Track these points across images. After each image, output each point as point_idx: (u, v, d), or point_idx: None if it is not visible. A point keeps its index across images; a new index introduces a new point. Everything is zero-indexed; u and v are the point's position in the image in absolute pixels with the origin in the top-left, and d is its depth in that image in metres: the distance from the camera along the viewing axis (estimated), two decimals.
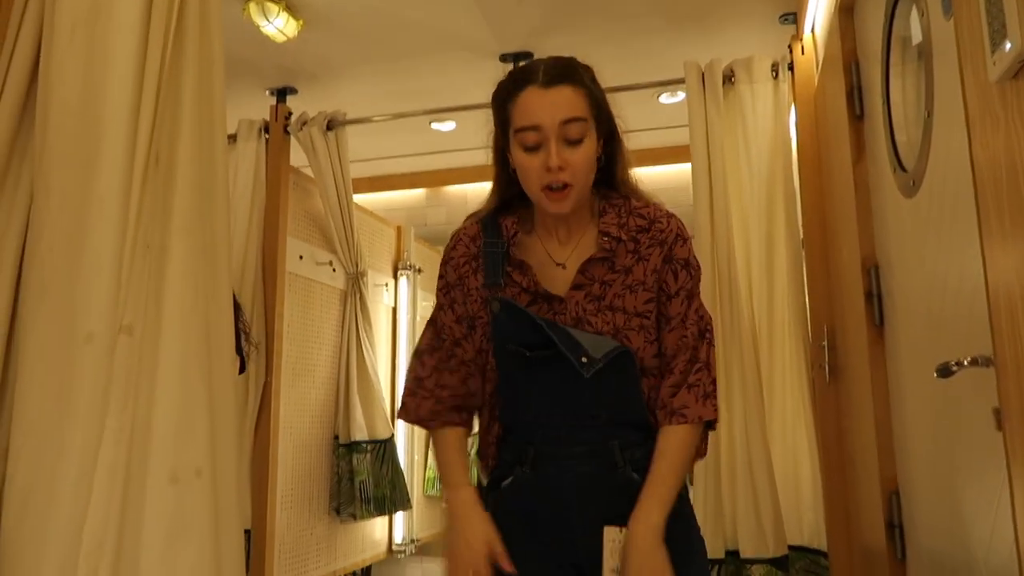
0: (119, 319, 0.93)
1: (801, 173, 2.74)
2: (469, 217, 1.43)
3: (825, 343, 2.54)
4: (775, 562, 2.70)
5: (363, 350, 3.72)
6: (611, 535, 1.23)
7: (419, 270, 4.29)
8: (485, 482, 1.38)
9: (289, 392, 3.31)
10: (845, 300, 2.24)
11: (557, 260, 1.34)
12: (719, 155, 2.73)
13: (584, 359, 1.26)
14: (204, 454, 0.92)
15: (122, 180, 0.92)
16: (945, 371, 1.12)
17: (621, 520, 1.24)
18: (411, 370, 1.40)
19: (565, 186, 1.24)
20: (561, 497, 1.28)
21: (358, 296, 3.69)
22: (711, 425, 1.34)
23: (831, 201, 2.47)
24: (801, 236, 2.78)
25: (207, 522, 0.91)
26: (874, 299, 1.85)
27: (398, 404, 4.09)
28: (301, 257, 3.41)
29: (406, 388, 1.39)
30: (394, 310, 4.25)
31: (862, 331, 1.90)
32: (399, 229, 4.31)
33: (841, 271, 2.30)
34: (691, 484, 1.36)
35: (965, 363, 1.08)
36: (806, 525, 3.03)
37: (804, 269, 2.78)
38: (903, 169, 1.58)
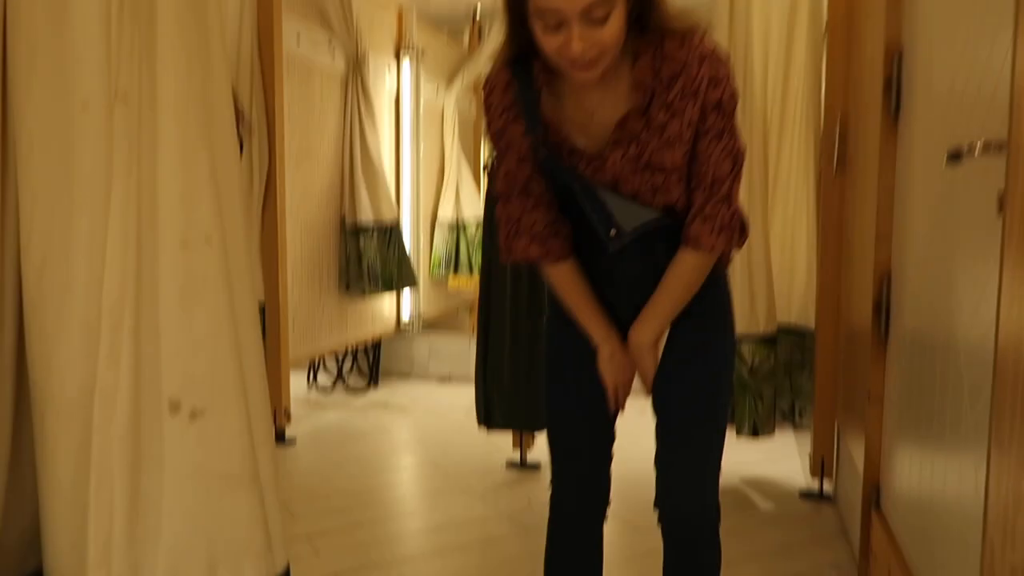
0: (113, 86, 0.91)
1: None
2: (495, 60, 1.36)
3: (837, 133, 2.49)
4: (764, 339, 2.85)
5: (366, 134, 3.67)
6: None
7: (422, 53, 4.11)
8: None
9: (293, 176, 3.31)
10: (863, 89, 2.16)
11: (592, 112, 1.31)
12: None
13: (613, 232, 1.31)
14: (212, 222, 0.94)
15: None
16: (956, 155, 1.10)
17: None
18: (501, 215, 1.42)
19: (592, 60, 1.19)
20: (608, 287, 1.40)
21: (359, 79, 3.57)
22: (726, 258, 1.40)
23: None
24: (824, 20, 2.63)
25: (220, 286, 0.95)
26: (893, 87, 1.78)
27: (403, 188, 4.12)
28: (299, 35, 3.25)
29: (505, 232, 1.41)
30: (397, 96, 4.13)
31: (877, 121, 1.86)
32: (400, 9, 4.06)
33: (863, 58, 2.20)
34: (728, 264, 1.46)
35: (978, 147, 1.06)
36: (795, 306, 3.17)
37: (824, 58, 2.66)
38: None
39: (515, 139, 1.35)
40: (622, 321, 1.43)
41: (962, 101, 1.33)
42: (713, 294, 1.41)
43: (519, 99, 1.31)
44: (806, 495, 2.75)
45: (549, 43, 1.19)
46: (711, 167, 1.30)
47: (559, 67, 1.24)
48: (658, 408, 1.43)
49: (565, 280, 1.41)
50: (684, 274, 1.35)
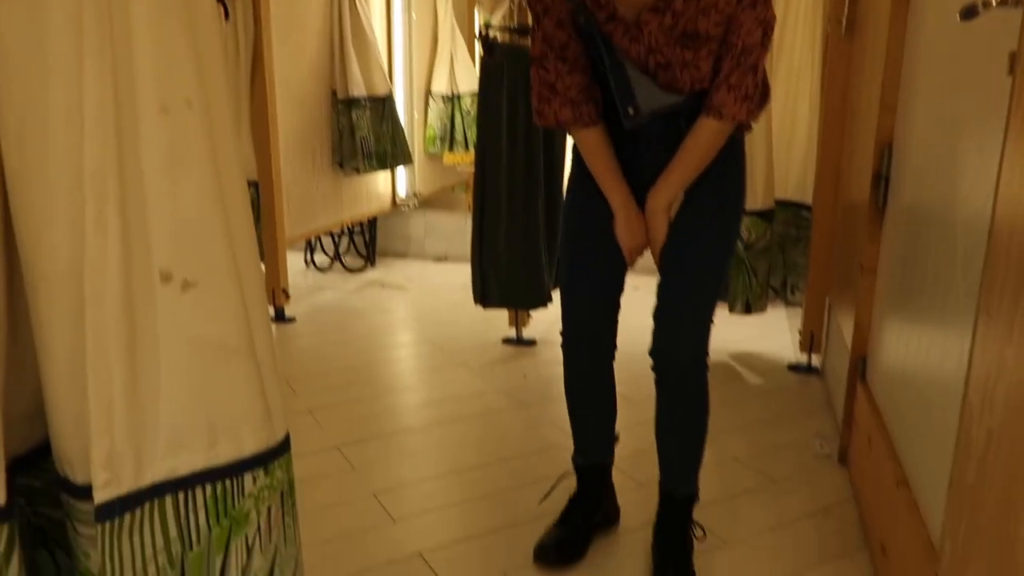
0: None
1: None
2: None
3: None
4: (761, 214, 2.84)
5: (356, 3, 3.50)
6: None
7: None
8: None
9: (281, 46, 3.18)
10: None
11: None
12: None
13: (631, 110, 1.37)
14: (193, 85, 0.90)
15: None
16: (970, 11, 1.05)
17: None
18: (535, 78, 1.48)
19: None
20: (630, 143, 1.48)
21: None
22: (746, 125, 1.46)
23: None
24: None
25: (205, 152, 0.93)
26: None
27: (395, 60, 4.00)
28: None
29: (538, 95, 1.49)
30: None
31: None
32: None
33: None
34: (749, 131, 1.52)
35: (993, 2, 1.01)
36: (793, 180, 3.13)
37: None
38: None
39: (554, 2, 1.40)
40: (640, 196, 1.51)
41: None
42: (731, 160, 1.48)
43: None
44: (794, 368, 2.82)
45: None
46: (742, 36, 1.34)
47: None
48: (667, 264, 1.52)
49: (593, 145, 1.49)
50: (703, 141, 1.42)
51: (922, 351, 1.42)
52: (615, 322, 1.62)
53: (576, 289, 1.59)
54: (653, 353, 1.55)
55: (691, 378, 1.55)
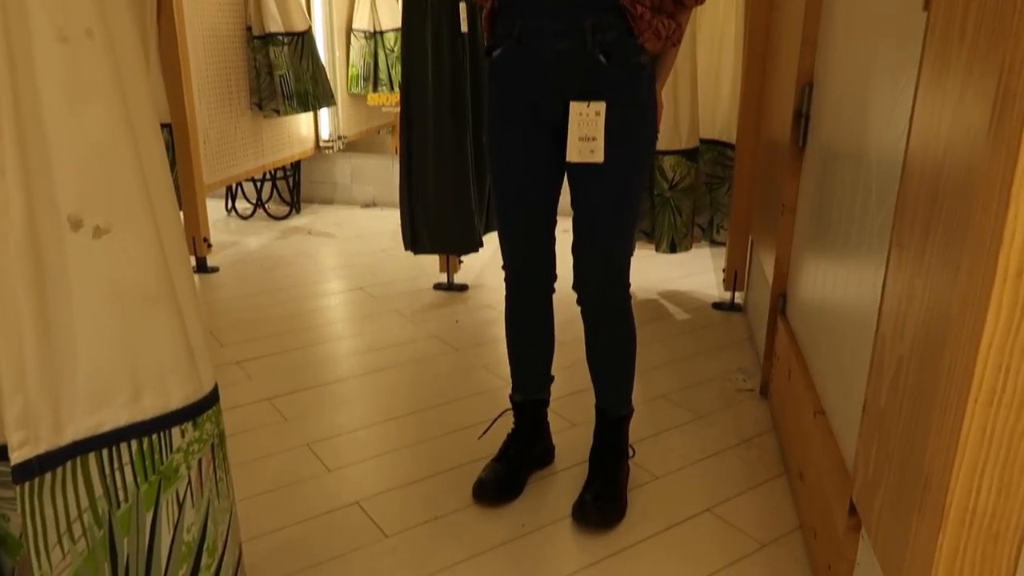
0: None
1: None
2: None
3: None
4: (685, 153, 2.87)
5: None
6: (577, 109, 1.44)
7: None
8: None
9: None
10: None
11: None
12: None
13: None
14: (92, 13, 0.84)
15: None
16: None
17: (586, 96, 1.44)
18: None
19: None
20: (539, 68, 1.47)
21: None
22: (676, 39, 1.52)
23: None
24: None
25: (110, 85, 0.87)
26: None
27: None
28: None
29: None
30: None
31: None
32: None
33: None
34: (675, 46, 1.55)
35: None
36: (719, 120, 3.17)
37: None
38: None
39: None
40: (547, 103, 1.49)
41: None
42: (638, 85, 1.48)
43: None
44: (718, 306, 2.91)
45: None
46: None
47: None
48: (575, 198, 1.55)
49: None
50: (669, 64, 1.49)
51: (838, 285, 1.48)
52: (552, 253, 1.66)
53: (511, 222, 1.61)
54: (575, 286, 1.59)
55: (614, 306, 1.60)
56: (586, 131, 1.44)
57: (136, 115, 0.91)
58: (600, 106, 1.43)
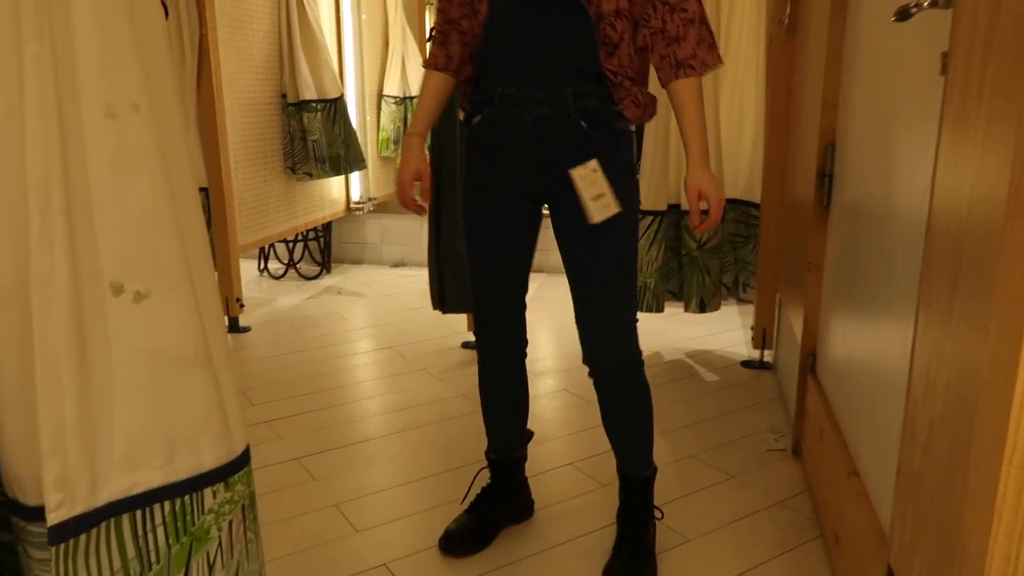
0: None
1: None
2: None
3: None
4: None
5: (304, 1, 3.46)
6: (579, 174, 1.44)
7: None
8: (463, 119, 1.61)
9: (228, 46, 3.13)
10: None
11: None
12: None
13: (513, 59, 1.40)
14: (138, 88, 0.88)
15: None
16: (904, 13, 1.09)
17: (571, 161, 1.44)
18: (435, 24, 1.59)
19: None
20: (520, 135, 1.47)
21: None
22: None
23: None
24: None
25: (154, 158, 0.91)
26: None
27: (346, 62, 4.04)
28: None
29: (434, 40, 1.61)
30: None
31: None
32: None
33: None
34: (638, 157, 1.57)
35: (925, 4, 1.05)
36: (741, 180, 3.20)
37: None
38: None
39: None
40: (529, 172, 1.50)
41: None
42: (622, 149, 1.50)
43: None
44: (747, 364, 2.88)
45: None
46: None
47: None
48: (571, 270, 1.55)
49: (430, 87, 1.58)
50: (692, 104, 1.45)
51: (868, 344, 1.47)
52: (523, 321, 1.68)
53: (482, 293, 1.63)
54: (585, 358, 1.58)
55: (626, 376, 1.58)
56: (594, 190, 1.44)
57: (177, 183, 0.95)
58: (595, 163, 1.44)
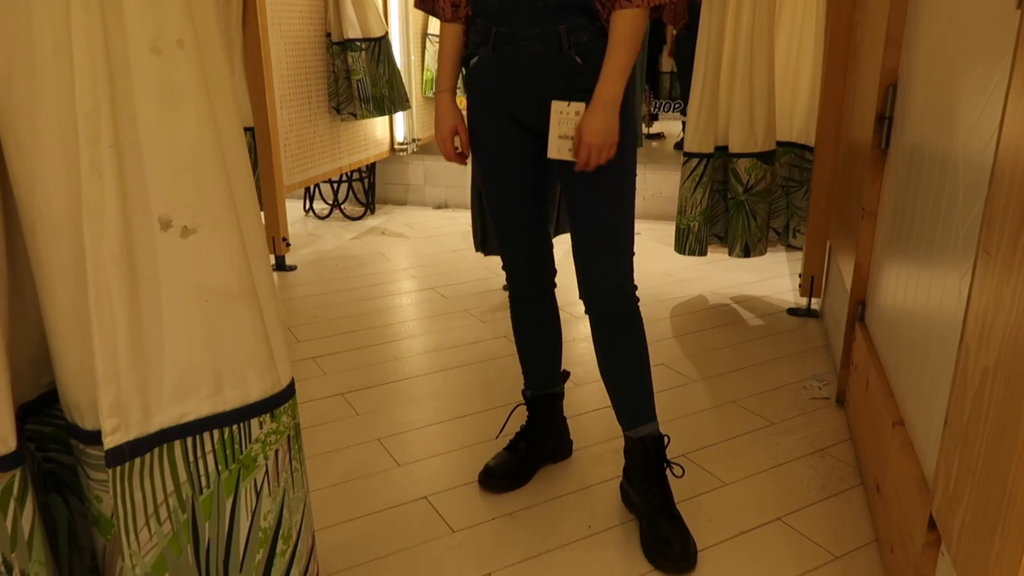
0: None
1: None
2: None
3: None
4: (761, 156, 2.81)
5: None
6: (558, 107, 1.45)
7: None
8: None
9: None
10: None
11: None
12: None
13: None
14: (183, 25, 0.88)
15: None
16: None
17: (566, 96, 1.45)
18: None
19: None
20: (516, 73, 1.48)
21: None
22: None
23: None
24: None
25: (199, 95, 0.91)
26: None
27: (391, 1, 4.01)
28: None
29: None
30: None
31: None
32: None
33: None
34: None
35: None
36: (797, 122, 3.09)
37: None
38: None
39: None
40: (527, 107, 1.50)
41: None
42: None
43: None
44: (794, 312, 2.83)
45: None
46: None
47: None
48: (569, 204, 1.55)
49: (445, 39, 1.58)
50: (624, 34, 1.42)
51: (921, 293, 1.43)
52: (548, 250, 1.69)
53: (502, 228, 1.65)
54: (582, 295, 1.58)
55: (623, 311, 1.57)
56: (565, 130, 1.45)
57: (222, 120, 0.95)
58: (580, 106, 1.43)
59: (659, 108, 5.53)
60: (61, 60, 0.83)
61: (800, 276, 2.83)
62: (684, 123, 3.11)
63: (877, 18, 1.93)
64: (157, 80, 0.88)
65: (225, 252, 0.98)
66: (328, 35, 3.50)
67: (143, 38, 0.86)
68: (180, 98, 0.89)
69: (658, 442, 1.63)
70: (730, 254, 2.96)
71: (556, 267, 1.73)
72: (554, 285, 1.74)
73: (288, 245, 3.36)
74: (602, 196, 1.50)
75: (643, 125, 5.47)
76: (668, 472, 1.64)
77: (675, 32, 4.90)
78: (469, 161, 1.71)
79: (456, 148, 1.61)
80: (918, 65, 1.61)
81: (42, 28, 0.83)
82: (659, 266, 3.40)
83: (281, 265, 3.40)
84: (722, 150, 2.83)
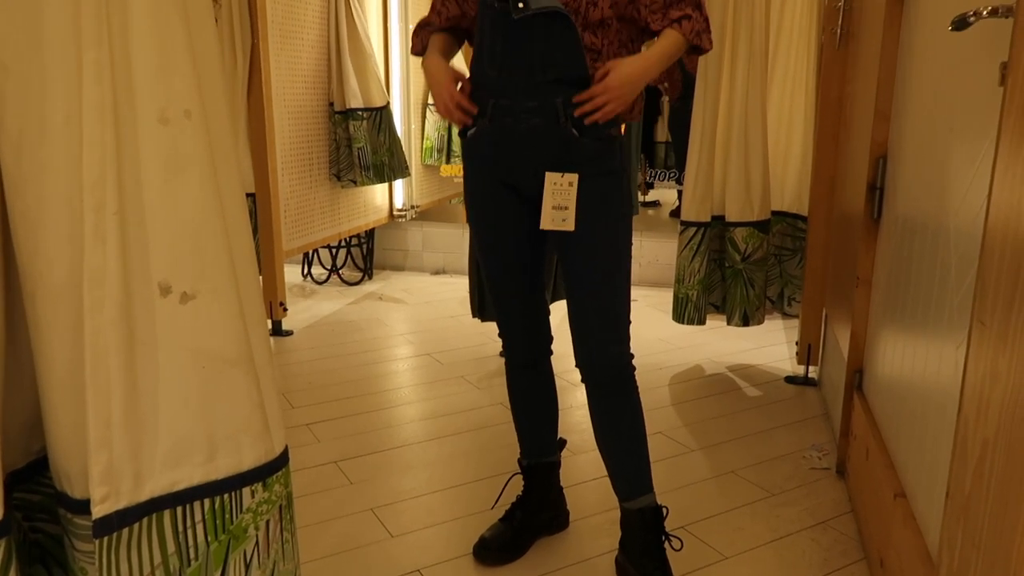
0: None
1: None
2: None
3: (841, 4, 2.39)
4: (758, 225, 2.85)
5: (353, 13, 3.52)
6: (552, 179, 1.47)
7: None
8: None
9: (278, 56, 3.19)
10: None
11: None
12: None
13: (520, 3, 1.40)
14: (191, 95, 0.91)
15: None
16: (962, 23, 1.06)
17: (561, 167, 1.47)
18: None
19: None
20: (513, 144, 1.50)
21: None
22: (699, 49, 1.51)
23: None
24: None
25: (204, 163, 0.93)
26: None
27: (392, 71, 4.11)
28: None
29: (416, 27, 1.68)
30: None
31: None
32: None
33: None
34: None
35: (984, 13, 1.02)
36: (788, 192, 3.14)
37: None
38: None
39: None
40: (524, 177, 1.51)
41: None
42: (611, 155, 1.51)
43: None
44: (792, 380, 2.82)
45: None
46: None
47: None
48: (565, 270, 1.56)
49: (435, 41, 1.61)
50: (665, 44, 1.47)
51: (918, 362, 1.43)
52: (545, 320, 1.70)
53: (499, 296, 1.66)
54: (578, 363, 1.58)
55: (620, 378, 1.56)
56: (559, 200, 1.47)
57: (225, 188, 0.97)
58: (573, 177, 1.46)
59: (655, 177, 5.62)
60: (71, 130, 0.85)
61: (797, 344, 2.83)
62: (679, 191, 3.16)
63: (866, 93, 1.98)
64: (164, 149, 0.89)
65: (223, 318, 0.98)
66: (331, 104, 3.59)
67: (152, 109, 0.88)
68: (185, 166, 0.91)
69: (656, 514, 1.60)
70: (728, 323, 2.97)
71: (553, 334, 1.73)
72: (550, 352, 1.74)
73: (285, 310, 3.36)
74: (599, 265, 1.51)
75: (639, 193, 5.55)
76: (667, 545, 1.61)
77: (671, 103, 5.03)
78: (467, 227, 1.73)
79: (462, 102, 1.52)
80: (907, 137, 1.65)
81: (55, 99, 0.85)
82: (656, 333, 3.40)
83: (278, 330, 3.39)
84: (719, 219, 2.87)
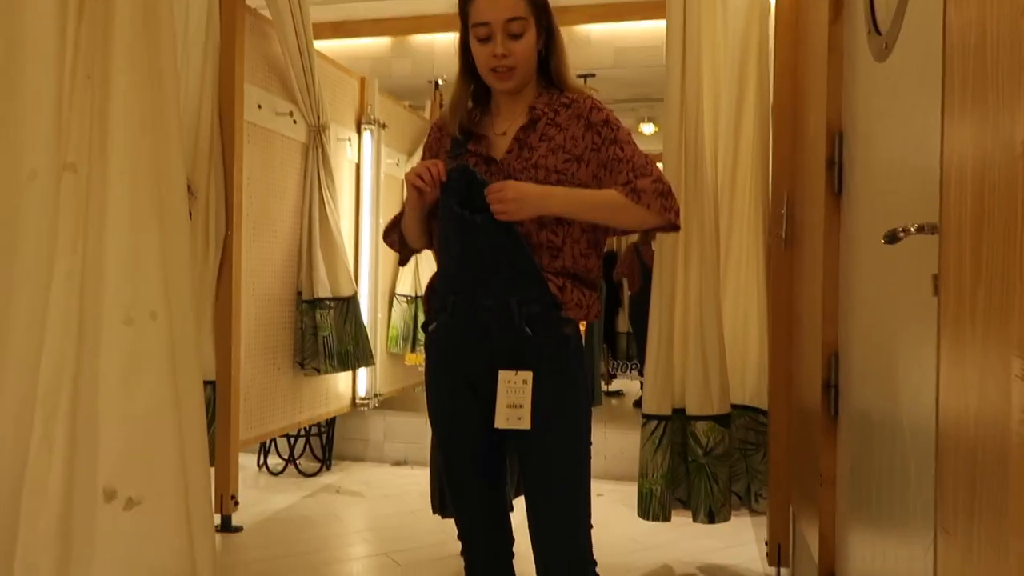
0: (62, 156, 0.90)
1: (777, 33, 2.68)
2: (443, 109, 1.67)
3: (784, 210, 2.57)
4: (718, 419, 2.86)
5: (326, 206, 3.68)
6: (505, 377, 1.49)
7: (383, 125, 4.17)
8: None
9: (251, 246, 3.28)
10: (807, 168, 2.25)
11: (499, 132, 1.59)
12: (695, 11, 2.65)
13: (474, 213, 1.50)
14: (158, 296, 0.92)
15: (55, 9, 0.87)
16: (892, 237, 1.15)
17: (514, 365, 1.49)
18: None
19: (509, 69, 1.52)
20: (470, 341, 1.54)
21: (320, 150, 3.60)
22: (672, 226, 1.59)
23: (804, 64, 2.43)
24: (771, 101, 2.76)
25: (164, 364, 0.93)
26: (835, 167, 1.86)
27: (361, 262, 4.24)
28: (260, 106, 3.28)
29: (387, 227, 1.86)
30: (358, 166, 4.16)
31: (820, 199, 1.93)
32: (363, 81, 4.14)
33: (806, 138, 2.30)
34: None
35: (912, 229, 1.11)
36: (749, 385, 3.19)
37: (771, 135, 2.78)
38: (878, 31, 1.54)
39: (439, 151, 1.65)
40: (479, 384, 1.53)
41: (899, 181, 1.39)
42: (565, 354, 1.53)
43: (457, 105, 1.60)
44: None
45: (480, 52, 1.52)
46: (628, 160, 1.54)
47: (485, 79, 1.56)
48: (523, 470, 1.55)
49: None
50: (608, 196, 1.52)
51: (889, 562, 1.39)
52: (505, 518, 1.66)
53: (456, 491, 1.65)
54: (539, 570, 1.54)
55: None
56: (514, 398, 1.48)
57: (183, 387, 0.96)
58: (527, 375, 1.48)
59: (617, 368, 5.69)
60: (32, 333, 0.85)
61: (767, 544, 2.74)
62: (642, 382, 3.18)
63: (812, 295, 2.09)
64: (124, 350, 0.89)
65: (166, 526, 0.93)
66: (299, 293, 3.65)
67: (117, 311, 0.89)
68: (144, 365, 0.91)
69: None
70: (694, 520, 2.89)
71: (514, 535, 1.67)
72: (512, 555, 1.67)
73: (236, 504, 3.20)
74: (556, 470, 1.50)
75: (602, 383, 5.59)
76: None
77: (631, 295, 5.21)
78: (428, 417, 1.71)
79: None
80: (855, 337, 1.72)
81: (20, 298, 0.86)
82: (622, 530, 3.28)
83: (227, 525, 3.21)
84: (680, 412, 2.88)
